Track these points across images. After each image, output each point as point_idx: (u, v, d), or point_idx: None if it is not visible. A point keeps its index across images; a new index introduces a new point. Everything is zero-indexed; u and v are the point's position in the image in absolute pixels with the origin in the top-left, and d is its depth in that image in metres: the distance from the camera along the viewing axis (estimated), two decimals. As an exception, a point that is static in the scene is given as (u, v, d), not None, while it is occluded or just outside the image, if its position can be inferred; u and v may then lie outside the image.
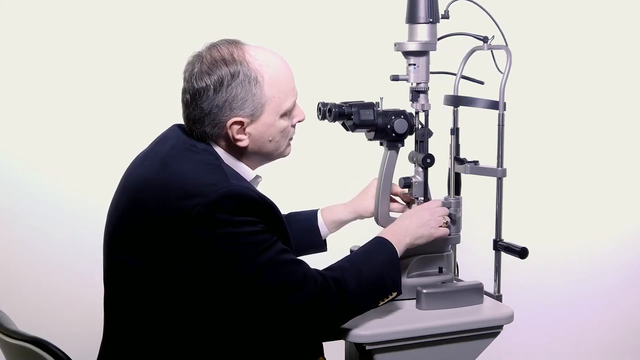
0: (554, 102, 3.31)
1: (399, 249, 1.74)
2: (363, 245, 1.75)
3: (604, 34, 3.32)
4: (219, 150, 1.64)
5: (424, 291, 1.83)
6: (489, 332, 1.82)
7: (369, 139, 1.91)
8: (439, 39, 1.91)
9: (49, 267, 2.87)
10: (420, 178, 1.94)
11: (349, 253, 1.89)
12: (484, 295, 1.91)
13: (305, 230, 1.93)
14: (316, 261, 1.76)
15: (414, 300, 1.84)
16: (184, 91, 1.63)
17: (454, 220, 1.95)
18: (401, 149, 1.90)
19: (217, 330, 1.55)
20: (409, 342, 1.73)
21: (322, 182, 3.14)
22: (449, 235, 1.89)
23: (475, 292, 1.88)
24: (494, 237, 1.96)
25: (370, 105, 1.85)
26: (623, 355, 3.35)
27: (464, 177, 2.00)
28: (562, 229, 3.35)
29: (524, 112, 2.95)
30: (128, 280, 1.56)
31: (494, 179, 1.93)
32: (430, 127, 1.93)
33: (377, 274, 1.67)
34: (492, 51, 1.97)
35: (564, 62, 3.29)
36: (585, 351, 3.32)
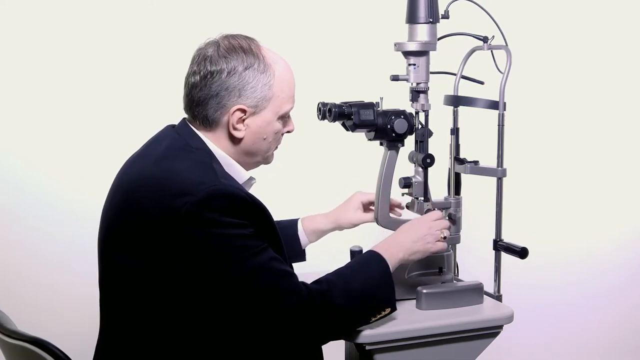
0: (554, 102, 3.31)
1: (392, 264, 1.70)
2: (355, 259, 1.73)
3: (604, 34, 3.32)
4: (214, 149, 1.64)
5: (424, 291, 1.83)
6: (489, 332, 1.82)
7: (369, 139, 1.91)
8: (439, 39, 1.91)
9: (48, 267, 2.87)
10: (420, 178, 1.94)
11: (349, 253, 1.90)
12: (484, 295, 1.91)
13: (285, 239, 1.94)
14: (312, 266, 1.76)
15: (414, 300, 1.84)
16: (193, 73, 1.63)
17: (453, 221, 1.95)
18: (401, 149, 1.90)
19: (207, 331, 1.54)
20: (409, 342, 1.73)
21: (322, 182, 3.14)
22: (447, 251, 1.88)
23: (475, 292, 1.88)
24: (494, 237, 1.96)
25: (370, 105, 1.85)
26: (623, 355, 3.35)
27: (464, 177, 2.00)
28: (562, 229, 3.35)
29: (524, 112, 2.95)
30: (123, 279, 1.56)
31: (494, 179, 1.93)
32: (430, 127, 1.93)
33: (368, 289, 1.64)
34: (492, 51, 1.97)
35: (564, 62, 3.29)
36: (585, 351, 3.32)
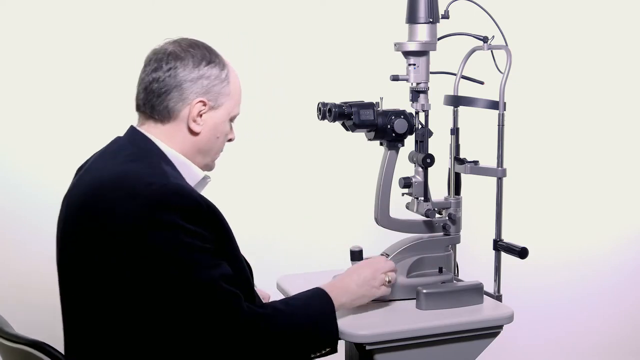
0: (554, 102, 3.31)
1: (336, 304, 1.67)
2: (301, 293, 1.70)
3: (604, 34, 3.32)
4: (167, 149, 1.62)
5: (424, 291, 1.83)
6: (489, 332, 1.82)
7: (369, 139, 1.91)
8: (439, 39, 1.91)
9: (47, 269, 2.87)
10: (420, 178, 1.94)
11: (349, 253, 1.90)
12: (484, 295, 1.91)
13: None
14: (312, 266, 1.75)
15: (414, 300, 1.84)
16: (154, 69, 1.62)
17: (453, 220, 1.95)
18: (401, 149, 1.90)
19: (155, 338, 1.51)
20: (409, 342, 1.73)
21: (322, 182, 3.14)
22: (390, 297, 1.84)
23: (475, 292, 1.88)
24: (494, 237, 1.96)
25: (370, 105, 1.85)
26: (623, 355, 3.35)
27: (464, 177, 2.00)
28: (562, 229, 3.35)
29: (524, 112, 2.95)
30: (85, 288, 1.53)
31: (494, 179, 1.93)
32: (430, 127, 1.93)
33: (311, 322, 1.62)
34: (492, 51, 1.97)
35: (564, 62, 3.29)
36: (585, 351, 3.32)
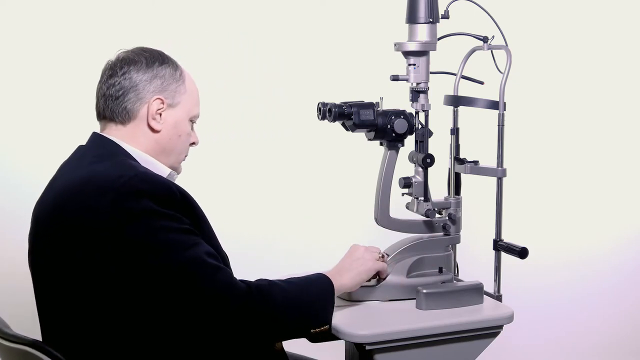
0: (554, 102, 3.31)
1: (336, 283, 1.70)
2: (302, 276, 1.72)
3: (604, 34, 3.32)
4: (131, 150, 1.64)
5: (424, 291, 1.83)
6: (489, 332, 1.82)
7: (369, 139, 1.91)
8: (439, 39, 1.91)
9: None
10: (420, 178, 1.94)
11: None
12: (484, 295, 1.91)
13: None
14: (312, 266, 1.75)
15: (414, 300, 1.84)
16: (110, 76, 1.66)
17: (453, 220, 1.95)
18: (401, 149, 1.90)
19: (144, 327, 1.51)
20: (409, 342, 1.73)
21: (322, 182, 3.14)
22: (383, 278, 1.86)
23: (475, 292, 1.88)
24: (494, 237, 1.96)
25: (370, 105, 1.85)
26: (623, 355, 3.35)
27: (464, 177, 2.00)
28: (562, 229, 3.35)
29: (524, 112, 2.95)
30: (66, 288, 1.52)
31: (494, 179, 1.93)
32: (430, 127, 1.93)
33: (308, 298, 1.63)
34: (492, 51, 1.97)
35: (564, 62, 3.29)
36: (585, 351, 3.32)
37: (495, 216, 1.95)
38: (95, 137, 1.67)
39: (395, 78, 1.89)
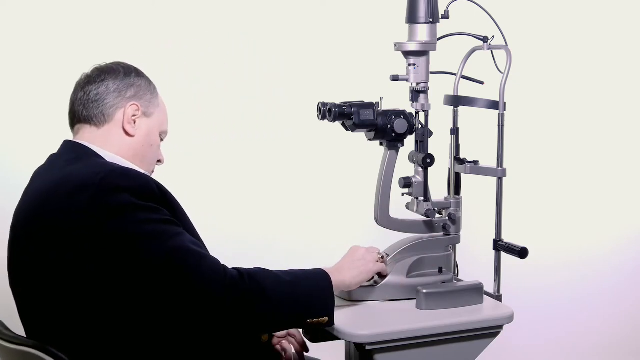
0: (554, 102, 3.31)
1: (334, 280, 1.68)
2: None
3: (604, 34, 3.32)
4: (105, 154, 1.64)
5: (424, 291, 1.83)
6: (489, 332, 1.82)
7: (369, 139, 1.91)
8: (439, 39, 1.91)
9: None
10: (420, 178, 1.94)
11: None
12: (484, 295, 1.91)
13: None
14: (312, 266, 1.75)
15: (414, 300, 1.84)
16: (87, 83, 1.68)
17: (453, 220, 1.95)
18: (401, 149, 1.90)
19: (134, 323, 1.51)
20: (409, 342, 1.73)
21: (322, 182, 3.14)
22: (383, 277, 1.86)
23: (475, 292, 1.88)
24: (494, 237, 1.96)
25: (370, 105, 1.85)
26: (623, 355, 3.35)
27: (464, 177, 2.00)
28: (562, 229, 3.35)
29: (524, 112, 2.95)
30: (49, 287, 1.52)
31: (494, 179, 1.93)
32: (430, 127, 1.93)
33: (303, 288, 1.61)
34: (492, 51, 1.97)
35: (564, 62, 3.29)
36: (585, 351, 3.32)
37: (495, 216, 1.95)
38: (67, 144, 1.69)
39: (395, 78, 1.89)
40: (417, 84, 1.90)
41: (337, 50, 3.08)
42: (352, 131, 1.87)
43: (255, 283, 1.54)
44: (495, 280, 1.97)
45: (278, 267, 1.62)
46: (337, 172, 3.11)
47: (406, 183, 1.95)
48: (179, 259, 1.48)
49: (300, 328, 1.69)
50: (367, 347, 1.70)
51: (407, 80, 1.90)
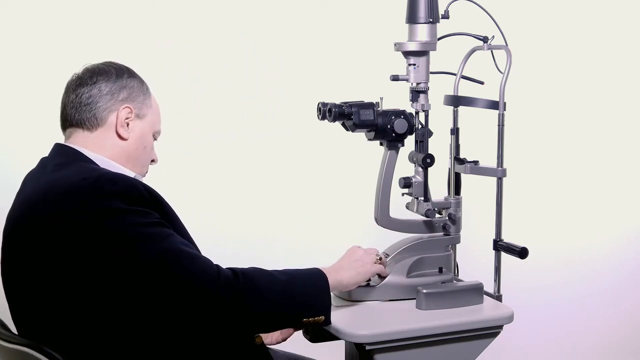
0: (554, 102, 3.31)
1: (331, 280, 1.67)
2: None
3: (604, 34, 3.32)
4: (96, 157, 1.64)
5: (424, 291, 1.83)
6: (489, 332, 1.82)
7: (369, 139, 1.91)
8: (439, 39, 1.91)
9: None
10: (420, 178, 1.94)
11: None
12: (484, 295, 1.91)
13: None
14: (312, 265, 1.76)
15: (414, 300, 1.84)
16: (79, 85, 1.67)
17: (453, 220, 1.95)
18: (401, 149, 1.90)
19: (128, 325, 1.51)
20: (409, 342, 1.73)
21: (322, 182, 3.14)
22: (383, 277, 1.87)
23: (475, 292, 1.88)
24: (494, 237, 1.96)
25: (370, 105, 1.85)
26: (623, 355, 3.35)
27: (464, 177, 2.00)
28: (562, 229, 3.35)
29: (524, 112, 2.95)
30: (38, 295, 1.52)
31: (494, 179, 1.94)
32: (430, 127, 1.93)
33: (299, 287, 1.60)
34: (492, 51, 1.97)
35: (564, 62, 3.29)
36: (585, 351, 3.32)
37: (495, 216, 1.95)
38: (57, 147, 1.68)
39: (395, 78, 1.89)
40: (417, 84, 1.90)
41: (337, 50, 3.08)
42: (352, 131, 1.87)
43: (250, 282, 1.54)
44: (495, 280, 1.97)
45: (278, 267, 1.62)
46: (337, 172, 3.11)
47: (406, 183, 1.95)
48: (172, 260, 1.48)
49: (296, 327, 1.68)
50: (367, 347, 1.70)
51: (407, 80, 1.90)
